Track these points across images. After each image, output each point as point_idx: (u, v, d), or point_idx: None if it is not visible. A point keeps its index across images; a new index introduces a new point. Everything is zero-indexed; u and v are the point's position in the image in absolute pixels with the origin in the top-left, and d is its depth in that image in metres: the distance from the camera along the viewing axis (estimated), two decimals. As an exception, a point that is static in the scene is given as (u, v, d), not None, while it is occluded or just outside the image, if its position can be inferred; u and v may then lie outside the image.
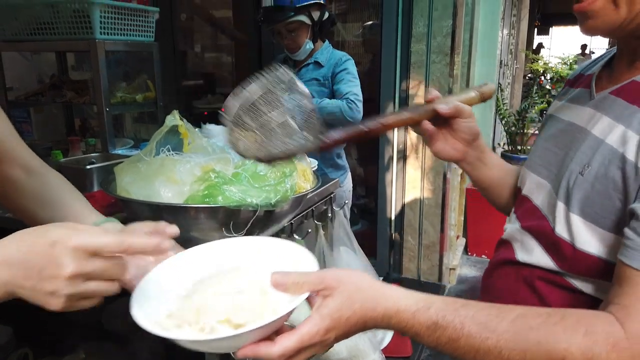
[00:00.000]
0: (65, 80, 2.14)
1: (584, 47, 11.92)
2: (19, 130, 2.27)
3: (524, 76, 8.19)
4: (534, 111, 5.55)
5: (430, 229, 2.96)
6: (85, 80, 2.10)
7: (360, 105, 2.06)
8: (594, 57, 0.82)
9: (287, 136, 0.68)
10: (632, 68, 0.68)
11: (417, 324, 0.59)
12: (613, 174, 0.61)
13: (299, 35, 2.07)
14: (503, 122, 5.01)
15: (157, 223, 0.73)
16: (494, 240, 0.90)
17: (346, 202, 2.13)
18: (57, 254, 0.52)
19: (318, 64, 2.15)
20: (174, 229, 0.70)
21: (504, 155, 5.22)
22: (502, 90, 5.17)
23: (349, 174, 2.37)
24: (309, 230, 1.60)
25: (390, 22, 2.77)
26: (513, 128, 5.09)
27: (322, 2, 2.09)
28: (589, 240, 0.63)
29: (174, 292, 0.66)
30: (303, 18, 2.04)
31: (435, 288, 2.95)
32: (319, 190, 1.55)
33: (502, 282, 0.80)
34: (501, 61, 5.27)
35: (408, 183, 2.95)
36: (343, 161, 2.34)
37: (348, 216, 2.19)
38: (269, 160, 0.69)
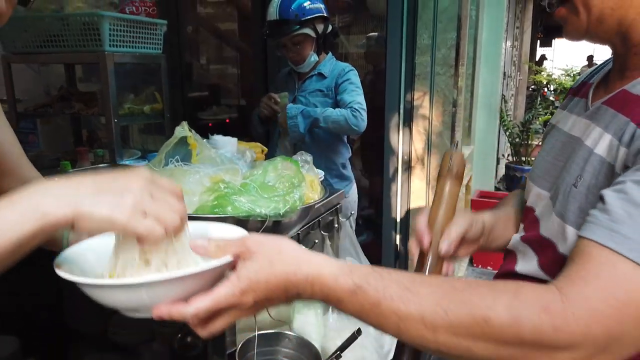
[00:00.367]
0: (73, 92, 2.16)
1: (590, 58, 11.94)
2: (26, 141, 2.30)
3: (527, 88, 8.21)
4: (537, 122, 5.57)
5: (436, 240, 2.94)
6: (94, 92, 2.12)
7: (365, 114, 2.08)
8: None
9: None
10: (623, 77, 0.68)
11: (339, 289, 0.56)
12: (603, 184, 0.60)
13: (304, 48, 2.10)
14: (507, 133, 5.02)
15: None
16: (499, 252, 0.89)
17: (352, 212, 2.14)
18: (128, 174, 0.56)
19: (321, 76, 2.18)
20: None
21: (508, 167, 5.23)
22: (505, 102, 5.18)
23: (355, 185, 2.38)
24: (316, 241, 1.60)
25: (395, 34, 2.79)
26: (517, 139, 5.10)
27: (325, 15, 2.12)
28: None
29: (100, 260, 0.65)
30: (308, 31, 2.07)
31: (440, 300, 2.92)
32: (325, 201, 1.56)
33: None
34: (505, 73, 5.29)
35: (413, 194, 2.95)
36: (348, 172, 2.35)
37: (354, 227, 2.19)
38: None
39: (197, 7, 4.39)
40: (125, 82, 1.97)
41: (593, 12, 0.66)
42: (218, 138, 1.59)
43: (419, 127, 2.86)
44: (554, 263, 0.65)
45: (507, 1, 4.48)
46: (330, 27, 2.15)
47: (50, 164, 1.95)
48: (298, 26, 2.04)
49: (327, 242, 1.65)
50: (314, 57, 2.14)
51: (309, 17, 2.04)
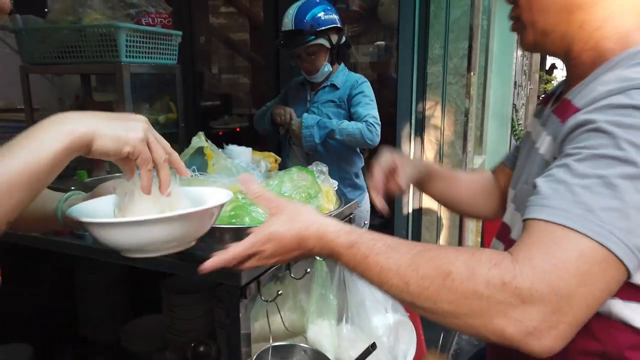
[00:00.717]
0: (89, 102, 2.19)
1: None
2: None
3: (538, 97, 8.18)
4: (549, 132, 5.53)
5: (448, 250, 2.93)
6: (110, 102, 2.15)
7: (379, 128, 2.09)
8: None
9: None
10: (569, 87, 0.76)
11: (339, 244, 0.68)
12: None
13: (318, 59, 2.11)
14: (518, 142, 5.00)
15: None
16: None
17: (365, 222, 2.13)
18: (132, 115, 0.69)
19: (334, 86, 2.18)
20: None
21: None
22: (517, 111, 5.16)
23: (367, 194, 2.37)
24: (330, 251, 1.60)
25: (407, 44, 2.80)
26: (528, 148, 5.06)
27: (340, 26, 2.13)
28: None
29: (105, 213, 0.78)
30: (322, 41, 2.08)
31: (452, 310, 2.90)
32: (339, 211, 1.55)
33: None
34: (515, 82, 5.28)
35: (425, 204, 2.94)
36: (361, 181, 2.35)
37: (366, 236, 2.19)
38: None
39: (209, 17, 4.44)
40: (140, 92, 1.99)
41: (537, 27, 0.76)
42: (233, 148, 1.60)
43: (430, 137, 2.86)
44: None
45: None
46: (343, 38, 2.17)
47: (66, 173, 1.97)
48: (313, 36, 2.05)
49: (341, 252, 1.65)
50: (327, 68, 2.15)
51: (323, 27, 2.06)
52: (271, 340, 1.26)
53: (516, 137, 4.95)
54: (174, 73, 2.09)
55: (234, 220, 1.07)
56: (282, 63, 2.97)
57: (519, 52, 5.46)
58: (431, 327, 1.65)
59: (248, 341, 1.23)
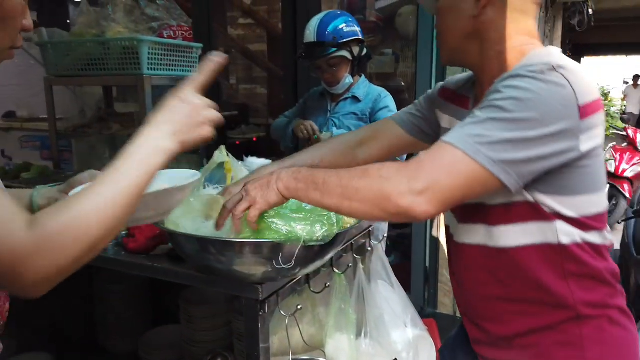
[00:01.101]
0: (111, 113, 2.22)
1: (636, 77, 11.73)
2: (60, 159, 2.34)
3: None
4: (569, 143, 5.44)
5: (466, 262, 2.89)
6: (131, 113, 2.18)
7: None
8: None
9: None
10: (481, 90, 1.00)
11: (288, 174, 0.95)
12: None
13: (339, 70, 2.10)
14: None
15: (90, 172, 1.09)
16: None
17: (384, 235, 2.12)
18: (190, 103, 0.83)
19: (356, 99, 2.17)
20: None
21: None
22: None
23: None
24: (349, 265, 1.59)
25: (425, 54, 2.80)
26: (548, 159, 4.99)
27: (361, 37, 2.13)
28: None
29: None
30: (344, 53, 2.07)
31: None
32: (359, 224, 1.55)
33: None
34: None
35: (443, 214, 2.91)
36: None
37: (384, 249, 2.17)
38: None
39: (228, 29, 4.49)
40: (161, 103, 2.02)
41: (448, 46, 1.01)
42: (252, 160, 1.60)
43: (449, 148, 2.83)
44: None
45: (537, 21, 4.45)
46: (365, 50, 2.16)
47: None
48: (335, 48, 2.04)
49: (360, 265, 1.64)
50: (348, 79, 2.14)
51: (345, 39, 2.05)
52: (290, 355, 1.25)
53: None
54: (194, 85, 2.11)
55: (253, 235, 1.06)
56: (300, 73, 2.99)
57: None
58: (451, 343, 1.62)
59: (267, 355, 1.22)
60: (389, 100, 2.15)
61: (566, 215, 0.87)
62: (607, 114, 6.12)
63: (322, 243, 1.07)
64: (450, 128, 1.03)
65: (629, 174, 5.09)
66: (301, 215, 1.11)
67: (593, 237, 0.89)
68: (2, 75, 4.56)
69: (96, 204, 0.66)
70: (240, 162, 1.42)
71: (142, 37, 1.82)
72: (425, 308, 3.01)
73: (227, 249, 1.10)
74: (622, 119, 9.85)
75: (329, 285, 1.45)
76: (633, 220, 2.84)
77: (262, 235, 1.07)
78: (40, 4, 4.14)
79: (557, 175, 0.84)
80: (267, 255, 1.09)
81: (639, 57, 15.50)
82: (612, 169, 5.14)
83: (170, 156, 0.77)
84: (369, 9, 3.82)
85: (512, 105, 0.79)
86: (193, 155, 2.32)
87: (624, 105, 12.23)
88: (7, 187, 0.93)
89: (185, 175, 1.03)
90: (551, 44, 6.92)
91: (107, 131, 2.10)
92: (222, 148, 1.24)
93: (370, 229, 1.79)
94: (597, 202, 0.89)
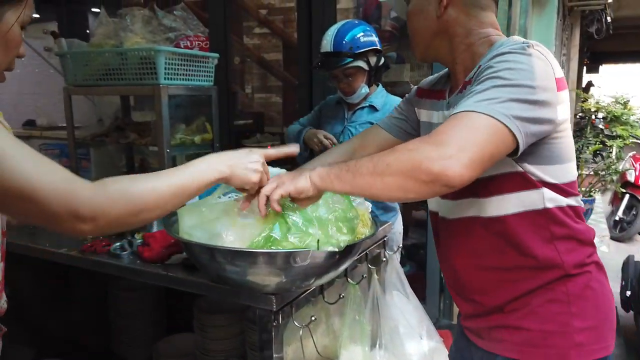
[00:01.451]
0: (128, 122, 2.24)
1: None
2: (78, 167, 2.36)
3: (575, 115, 7.97)
4: (588, 152, 5.35)
5: (482, 273, 2.85)
6: (148, 122, 2.20)
7: None
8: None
9: None
10: (456, 81, 1.11)
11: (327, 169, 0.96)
12: None
13: (356, 80, 2.09)
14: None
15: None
16: None
17: (399, 245, 2.10)
18: (247, 156, 1.02)
19: (373, 108, 2.16)
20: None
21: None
22: (553, 130, 5.04)
23: (400, 216, 2.34)
24: (364, 276, 1.58)
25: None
26: (566, 169, 4.92)
27: (379, 47, 2.12)
28: None
29: None
30: (361, 63, 2.06)
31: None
32: (374, 235, 1.53)
33: None
34: (552, 101, 5.17)
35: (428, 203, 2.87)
36: (393, 203, 2.32)
37: (398, 259, 2.15)
38: None
39: (244, 38, 4.53)
40: (177, 113, 2.03)
41: (420, 45, 1.10)
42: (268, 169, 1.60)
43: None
44: None
45: (555, 29, 4.41)
46: (382, 60, 2.15)
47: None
48: (351, 58, 2.04)
49: (374, 275, 1.62)
50: (364, 89, 2.12)
51: (362, 49, 2.05)
52: (304, 366, 1.24)
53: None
54: (210, 94, 2.13)
55: (269, 245, 1.06)
56: (314, 83, 2.99)
57: (555, 71, 5.35)
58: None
59: (281, 366, 1.22)
60: None
61: (550, 182, 0.97)
62: (626, 123, 6.00)
63: (335, 250, 1.06)
64: (430, 121, 1.17)
65: (649, 183, 4.99)
66: (318, 228, 1.10)
67: (572, 201, 1.00)
68: (22, 84, 4.65)
69: (152, 186, 0.85)
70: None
71: (159, 48, 1.84)
72: (441, 319, 2.97)
73: (241, 259, 1.10)
74: (642, 128, 9.71)
75: (343, 296, 1.44)
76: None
77: (279, 245, 1.07)
78: (60, 14, 4.22)
79: (540, 145, 0.93)
80: (281, 265, 1.09)
81: (659, 65, 15.25)
82: (632, 179, 5.05)
83: (221, 177, 0.96)
84: (384, 17, 3.82)
85: (509, 74, 0.87)
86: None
87: (644, 114, 12.07)
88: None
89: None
90: (569, 52, 6.85)
91: (124, 140, 2.12)
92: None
93: (384, 239, 1.78)
94: (571, 170, 1.01)
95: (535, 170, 0.96)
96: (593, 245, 1.05)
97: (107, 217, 0.78)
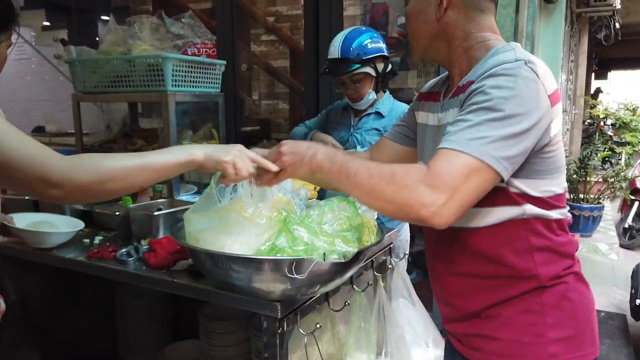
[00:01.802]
0: (136, 129, 2.26)
1: None
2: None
3: (583, 122, 7.93)
4: (597, 158, 5.31)
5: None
6: (155, 129, 2.21)
7: None
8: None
9: None
10: (452, 83, 1.11)
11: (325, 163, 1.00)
12: None
13: (363, 86, 2.09)
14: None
15: None
16: None
17: (405, 253, 2.08)
18: (230, 146, 1.09)
19: (379, 114, 2.16)
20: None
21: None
22: (562, 137, 5.01)
23: (407, 223, 2.32)
24: (370, 283, 1.57)
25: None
26: (574, 176, 4.89)
27: (386, 54, 2.12)
28: None
29: None
30: (368, 70, 2.06)
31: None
32: (380, 242, 1.53)
33: None
34: (560, 107, 5.14)
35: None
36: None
37: (405, 266, 2.13)
38: None
39: (251, 45, 4.55)
40: (184, 119, 2.05)
41: (418, 46, 1.11)
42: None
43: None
44: None
45: (562, 36, 4.39)
46: (390, 66, 2.15)
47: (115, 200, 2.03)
48: (359, 65, 2.04)
49: (380, 282, 1.62)
50: (372, 95, 2.12)
51: (370, 56, 2.05)
52: (309, 374, 1.23)
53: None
54: (217, 101, 2.14)
55: (274, 252, 1.06)
56: (321, 89, 3.00)
57: (563, 77, 5.33)
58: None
59: (287, 374, 1.21)
60: None
61: (533, 196, 0.97)
62: (635, 129, 5.95)
63: (342, 260, 1.06)
64: (426, 122, 1.19)
65: (659, 191, 4.94)
66: (324, 230, 1.10)
67: (555, 214, 1.00)
68: (32, 91, 4.70)
69: (121, 159, 0.94)
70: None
71: (166, 55, 1.85)
72: (448, 327, 2.94)
73: (246, 266, 1.10)
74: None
75: (348, 303, 1.43)
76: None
77: (283, 252, 1.07)
78: (70, 22, 4.27)
79: (531, 160, 0.93)
80: (286, 272, 1.09)
81: (668, 72, 15.14)
82: (641, 186, 5.00)
83: (192, 159, 1.03)
84: (391, 24, 3.82)
85: (501, 104, 0.88)
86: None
87: (654, 121, 11.99)
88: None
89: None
90: (577, 58, 6.83)
91: (131, 146, 2.13)
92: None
93: (391, 246, 1.77)
94: (559, 183, 1.00)
95: (520, 185, 0.96)
96: (573, 257, 1.05)
97: (73, 183, 0.86)
